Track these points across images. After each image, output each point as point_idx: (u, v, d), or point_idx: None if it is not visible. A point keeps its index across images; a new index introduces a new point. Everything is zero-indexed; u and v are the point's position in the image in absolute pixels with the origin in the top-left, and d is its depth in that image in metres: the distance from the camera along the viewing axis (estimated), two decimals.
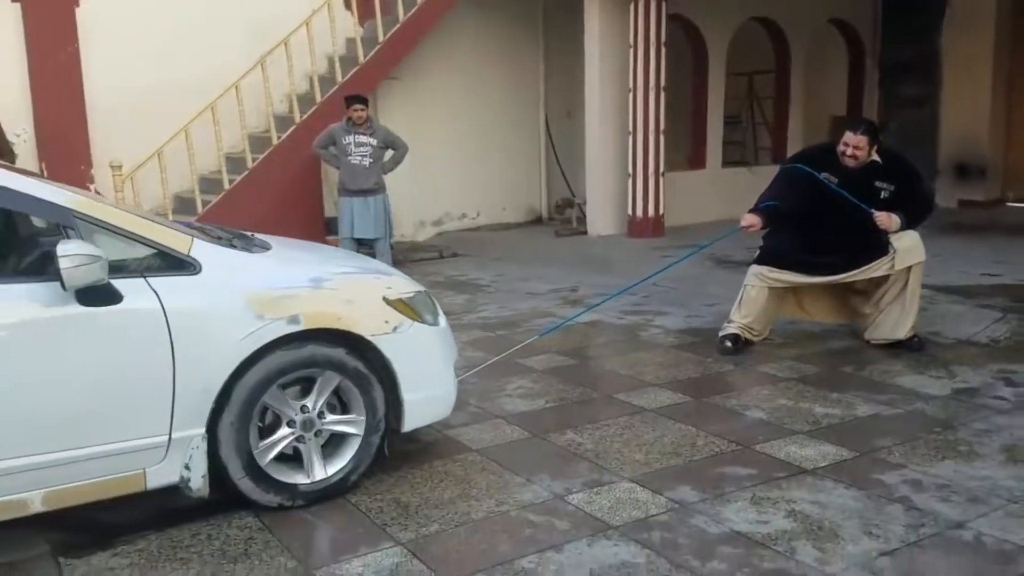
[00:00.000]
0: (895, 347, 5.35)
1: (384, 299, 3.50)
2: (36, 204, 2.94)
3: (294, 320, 3.20)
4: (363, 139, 7.78)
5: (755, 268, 5.53)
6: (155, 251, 3.05)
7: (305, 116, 8.85)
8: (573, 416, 4.38)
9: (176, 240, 3.13)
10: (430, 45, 10.19)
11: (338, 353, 3.31)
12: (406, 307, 3.55)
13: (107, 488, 2.99)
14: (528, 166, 12.33)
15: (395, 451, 3.85)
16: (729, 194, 11.74)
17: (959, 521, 3.13)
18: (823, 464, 3.66)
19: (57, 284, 2.75)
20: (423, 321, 3.59)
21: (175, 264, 3.07)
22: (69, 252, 2.71)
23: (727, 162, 12.34)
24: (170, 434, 3.02)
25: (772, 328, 5.67)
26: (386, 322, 3.44)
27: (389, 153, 8.01)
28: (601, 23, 10.23)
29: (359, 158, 7.80)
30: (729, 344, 5.43)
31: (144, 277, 2.99)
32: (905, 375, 4.89)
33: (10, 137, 7.47)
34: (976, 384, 4.71)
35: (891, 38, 12.98)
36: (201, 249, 3.17)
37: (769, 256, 5.51)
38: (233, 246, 3.43)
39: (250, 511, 3.25)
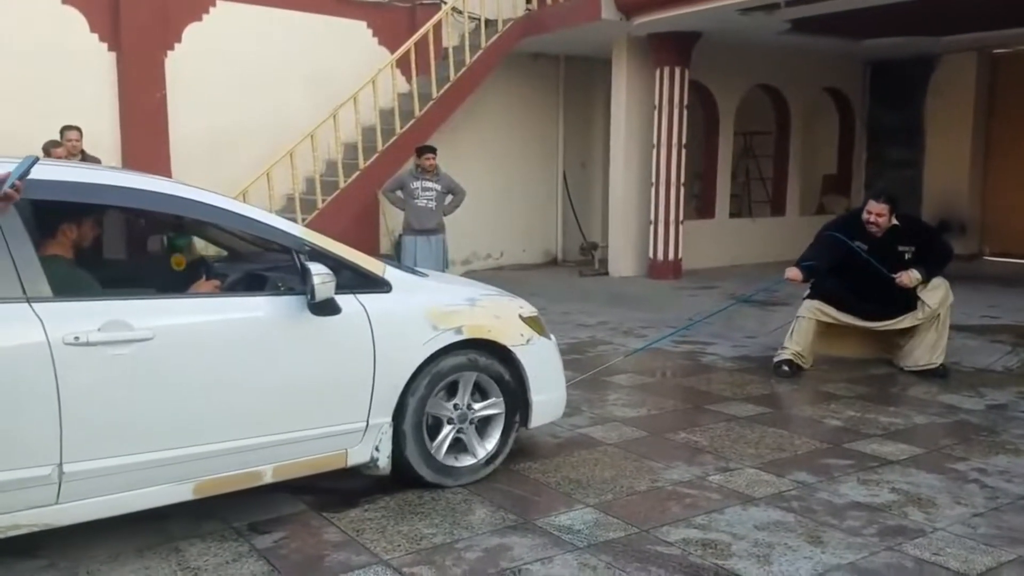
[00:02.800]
0: (925, 374, 6.21)
1: (520, 316, 4.25)
2: (275, 232, 3.57)
3: (459, 331, 3.91)
4: (429, 184, 8.56)
5: (808, 303, 6.37)
6: (359, 273, 3.71)
7: (369, 162, 9.66)
8: (677, 421, 5.16)
9: (373, 265, 3.83)
10: (465, 103, 11.10)
11: (487, 359, 3.98)
12: (535, 323, 4.30)
13: (319, 464, 3.61)
14: (546, 212, 13.25)
15: (546, 444, 4.62)
16: (736, 242, 12.80)
17: None
18: (903, 457, 4.48)
19: (295, 298, 3.41)
20: (545, 336, 4.34)
21: (374, 283, 3.73)
22: (319, 271, 3.37)
23: (731, 214, 13.35)
24: (367, 420, 3.67)
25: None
26: (521, 335, 4.16)
27: (450, 198, 8.80)
28: (628, 85, 11.24)
29: (425, 201, 8.57)
30: (787, 368, 6.25)
31: (354, 294, 3.63)
32: (943, 395, 5.76)
33: None
34: (1004, 401, 5.59)
35: (879, 105, 14.27)
36: (391, 272, 3.87)
37: (819, 293, 6.36)
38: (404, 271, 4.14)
39: (464, 487, 3.95)
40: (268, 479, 3.47)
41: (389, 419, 3.73)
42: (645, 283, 11.14)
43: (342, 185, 9.48)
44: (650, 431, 4.92)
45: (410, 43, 10.12)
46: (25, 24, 8.45)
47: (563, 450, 4.54)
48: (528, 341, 4.16)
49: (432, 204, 8.60)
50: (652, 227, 11.34)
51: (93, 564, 3.14)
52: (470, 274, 12.30)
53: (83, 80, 8.77)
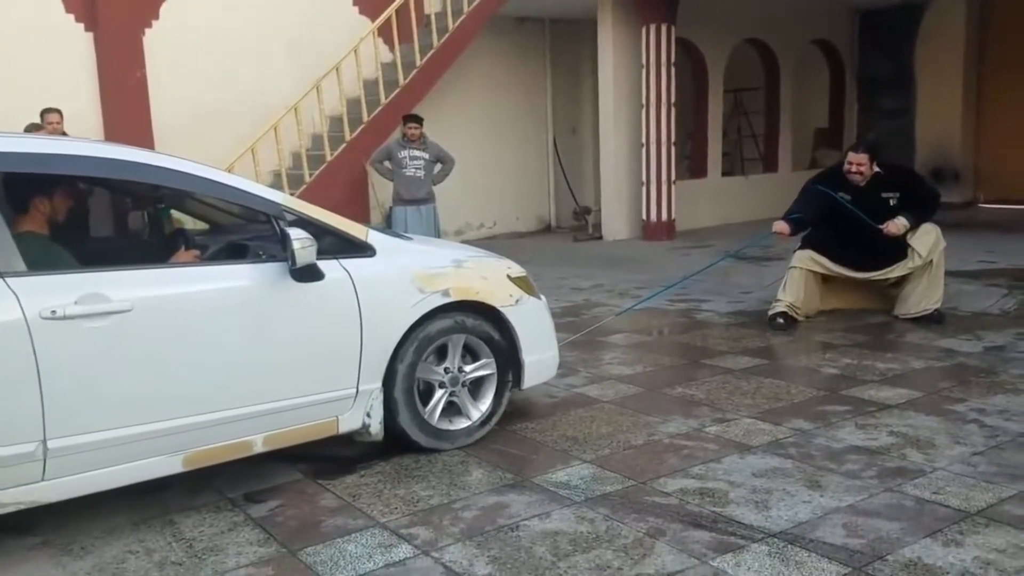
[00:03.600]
0: (921, 320, 6.17)
1: (508, 276, 4.18)
2: (253, 198, 3.49)
3: (446, 293, 3.83)
4: (417, 153, 8.45)
5: (800, 253, 6.33)
6: (342, 238, 3.63)
7: (355, 134, 9.56)
8: (674, 376, 5.13)
9: (356, 229, 3.74)
10: (450, 70, 10.95)
11: (474, 321, 3.93)
12: (524, 283, 4.23)
13: (310, 432, 3.56)
14: (538, 179, 13.16)
15: (542, 403, 4.59)
16: (729, 200, 12.73)
17: None
18: (901, 401, 4.45)
19: (275, 265, 3.35)
20: (535, 295, 4.28)
21: (357, 248, 3.64)
22: (299, 236, 3.29)
23: (723, 172, 13.27)
24: (357, 387, 3.60)
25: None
26: (510, 295, 4.09)
27: (439, 166, 8.70)
28: (615, 45, 11.11)
29: (413, 170, 8.46)
30: (781, 321, 6.21)
31: (337, 259, 3.55)
32: (941, 339, 5.73)
33: None
34: (1002, 343, 5.56)
35: (869, 55, 14.14)
36: (374, 236, 3.80)
37: (811, 244, 6.31)
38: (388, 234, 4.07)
39: (460, 448, 3.93)
40: (259, 448, 3.43)
41: (379, 385, 3.67)
42: (639, 245, 11.09)
43: (328, 158, 9.38)
44: (646, 387, 4.89)
45: (391, 10, 9.98)
46: (0, 8, 8.30)
47: (559, 409, 4.52)
48: (517, 301, 4.10)
49: (421, 173, 8.50)
50: (644, 188, 11.27)
51: (88, 539, 3.12)
52: (463, 244, 12.27)
53: (61, 61, 8.65)
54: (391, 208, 8.82)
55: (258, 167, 8.87)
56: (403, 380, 3.73)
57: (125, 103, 8.83)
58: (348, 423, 3.64)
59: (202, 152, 8.79)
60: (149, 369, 3.10)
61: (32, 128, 7.55)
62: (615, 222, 11.61)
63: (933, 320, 6.14)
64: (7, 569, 2.94)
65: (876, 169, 6.05)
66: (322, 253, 3.40)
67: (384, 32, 10.10)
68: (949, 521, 3.06)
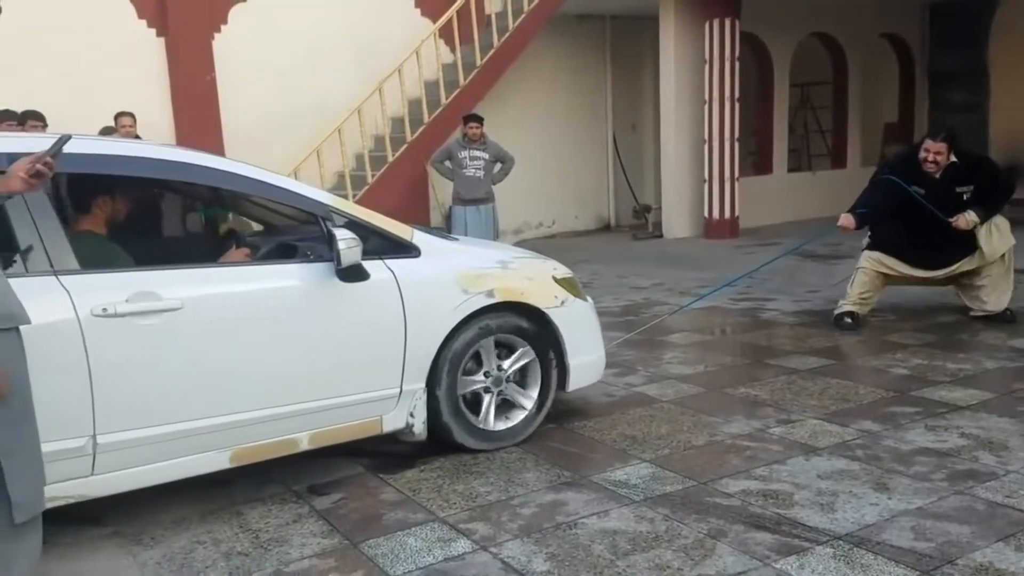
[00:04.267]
0: (993, 319, 5.96)
1: (553, 278, 4.14)
2: (302, 200, 3.49)
3: (490, 294, 3.80)
4: (477, 153, 8.44)
5: (867, 253, 6.15)
6: (388, 239, 3.62)
7: (416, 135, 9.64)
8: (736, 376, 5.05)
9: (402, 230, 3.73)
10: (510, 70, 10.98)
11: (522, 322, 3.90)
12: (569, 285, 4.18)
13: (354, 431, 3.57)
14: (597, 177, 13.08)
15: (601, 402, 4.57)
16: (795, 197, 12.48)
17: None
18: (973, 403, 4.32)
19: (322, 265, 3.37)
20: (581, 297, 4.22)
21: (403, 249, 3.65)
22: (345, 236, 3.29)
23: (790, 168, 13.02)
24: (401, 386, 3.61)
25: (879, 308, 6.27)
26: (555, 297, 4.04)
27: (499, 166, 8.67)
28: (676, 40, 11.00)
29: (473, 170, 8.45)
30: (849, 320, 6.06)
31: (382, 259, 3.54)
32: (1014, 339, 5.53)
33: None
34: None
35: (939, 49, 13.73)
36: (419, 237, 3.76)
37: (879, 244, 6.12)
38: (434, 235, 4.03)
39: (517, 446, 3.94)
40: (304, 446, 3.44)
41: (423, 385, 3.67)
42: (701, 243, 10.96)
43: (390, 159, 9.48)
44: (707, 387, 4.83)
45: (452, 11, 10.04)
46: (74, 14, 8.59)
47: (618, 408, 4.49)
48: (563, 303, 4.06)
49: (481, 173, 8.48)
50: (707, 185, 11.14)
51: (158, 530, 3.21)
52: (522, 243, 12.26)
53: (134, 66, 8.92)
54: (451, 208, 8.89)
55: (322, 169, 9.03)
56: (447, 380, 3.71)
57: (195, 107, 9.07)
58: (392, 422, 3.65)
59: (270, 155, 9.03)
60: (197, 366, 3.15)
61: (106, 131, 7.79)
62: (676, 220, 11.50)
63: (1005, 320, 5.93)
64: (80, 558, 3.05)
65: (952, 159, 5.83)
66: (368, 253, 3.42)
67: (445, 33, 10.18)
68: (1022, 525, 2.95)
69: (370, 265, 3.44)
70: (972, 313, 6.10)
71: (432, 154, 8.86)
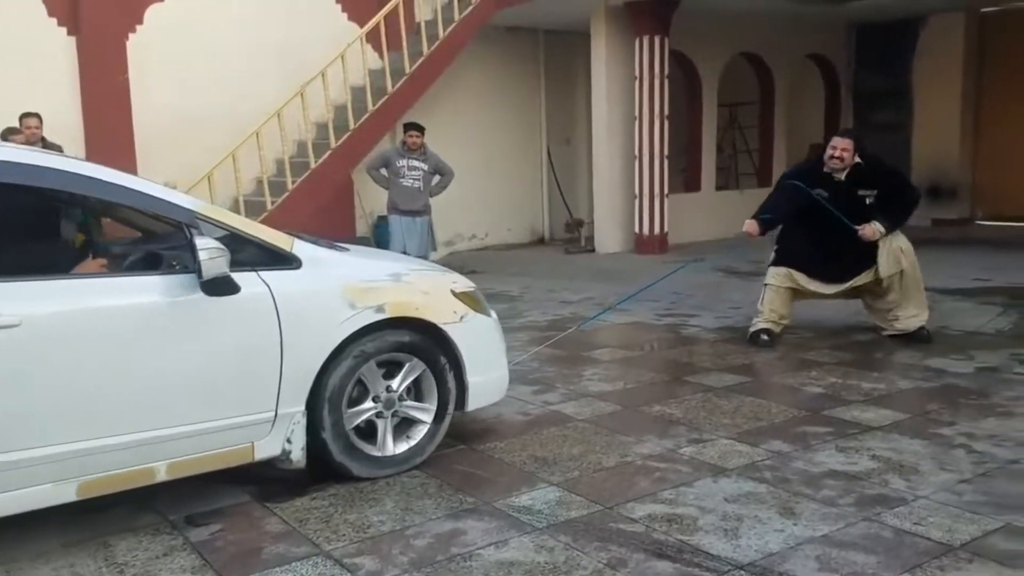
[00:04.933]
0: (909, 338, 5.93)
1: (452, 292, 3.91)
2: (164, 205, 3.22)
3: (380, 309, 3.55)
4: (416, 163, 8.11)
5: (773, 269, 6.11)
6: (264, 249, 3.35)
7: (340, 141, 9.39)
8: (654, 394, 4.94)
9: (280, 239, 3.44)
10: (442, 79, 10.81)
11: (416, 338, 3.66)
12: (469, 299, 3.95)
13: (222, 459, 3.27)
14: (531, 190, 13.00)
15: (515, 421, 4.41)
16: (723, 215, 12.49)
17: (1014, 459, 3.75)
18: (886, 423, 4.26)
19: (185, 276, 3.11)
20: (483, 312, 4.00)
21: (280, 260, 3.38)
22: (207, 246, 3.03)
23: (718, 187, 13.10)
24: (276, 410, 3.33)
25: (791, 324, 6.23)
26: (454, 312, 3.83)
27: (437, 178, 8.30)
28: (608, 56, 10.99)
29: (411, 181, 8.11)
30: (765, 337, 6.00)
31: (256, 271, 3.28)
32: (931, 359, 5.53)
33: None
34: (995, 364, 5.36)
35: (865, 69, 14.01)
36: (300, 247, 3.49)
37: (783, 259, 6.08)
38: (319, 245, 3.75)
39: (416, 467, 3.74)
40: (162, 477, 3.14)
41: (302, 408, 3.39)
42: (631, 258, 10.92)
43: (312, 166, 9.21)
44: (624, 405, 4.71)
45: (380, 16, 9.84)
46: None
47: (532, 428, 4.33)
48: (462, 318, 3.84)
49: (419, 184, 8.15)
50: (637, 201, 11.11)
51: (15, 564, 2.93)
52: (454, 255, 12.12)
53: (43, 65, 8.49)
54: (381, 217, 8.61)
55: (239, 173, 8.72)
56: (330, 402, 3.46)
57: (107, 108, 8.68)
58: (266, 449, 3.35)
59: (184, 157, 8.72)
60: (36, 389, 2.85)
61: (9, 132, 7.40)
62: (607, 235, 11.46)
63: (920, 339, 5.93)
64: None
65: (857, 160, 5.82)
66: (239, 264, 3.18)
67: (373, 39, 9.96)
68: (930, 555, 2.87)
69: (242, 277, 3.18)
70: (884, 332, 6.10)
71: (365, 159, 8.57)
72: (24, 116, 7.62)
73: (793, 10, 11.51)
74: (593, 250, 11.58)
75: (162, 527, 3.20)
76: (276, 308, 3.28)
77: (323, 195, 9.31)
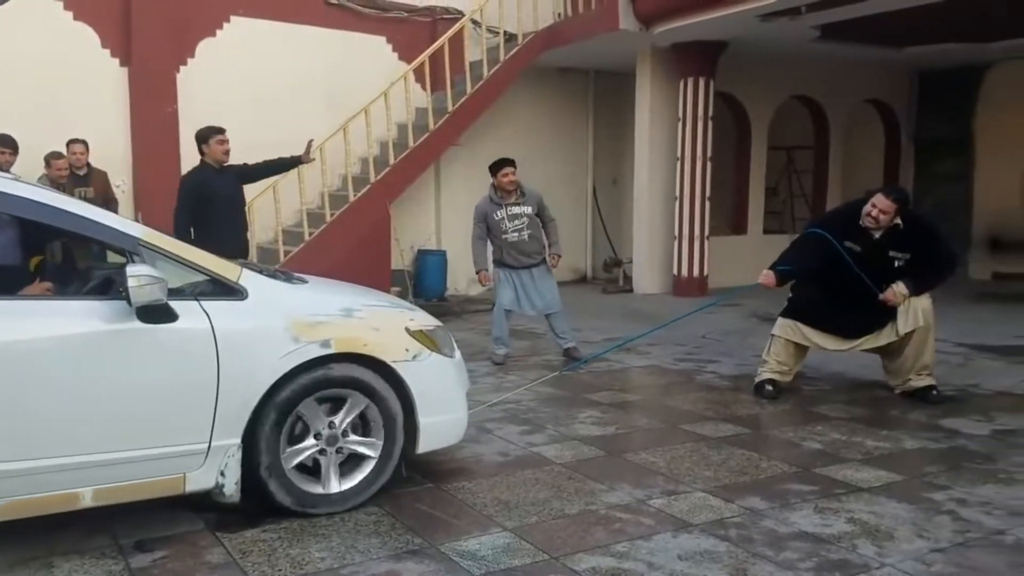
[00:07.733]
0: (917, 398, 5.63)
1: (406, 329, 3.84)
2: (107, 231, 3.28)
3: (326, 344, 3.52)
4: (516, 210, 6.85)
5: (782, 320, 5.90)
6: (208, 278, 3.39)
7: (379, 176, 9.54)
8: (642, 441, 4.84)
9: (227, 269, 3.49)
10: (490, 116, 10.91)
11: (364, 375, 3.63)
12: (425, 338, 3.89)
13: (150, 489, 3.28)
14: (575, 229, 12.93)
15: (492, 462, 4.36)
16: (768, 258, 12.16)
17: (1001, 529, 3.53)
18: (876, 484, 4.07)
19: (121, 303, 3.11)
20: (440, 352, 3.93)
21: (225, 290, 3.41)
22: (137, 273, 3.06)
23: (767, 230, 12.85)
24: (210, 442, 3.33)
25: (812, 375, 6.00)
26: (407, 350, 3.76)
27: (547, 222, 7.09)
28: (652, 97, 10.94)
29: (515, 234, 6.84)
30: (770, 388, 5.80)
31: (198, 300, 3.32)
32: (948, 418, 5.28)
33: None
34: (1014, 427, 5.09)
35: (926, 116, 13.61)
36: (248, 278, 3.52)
37: (794, 311, 5.86)
38: (275, 278, 3.81)
39: (374, 503, 3.72)
40: (88, 502, 3.16)
41: (238, 441, 3.38)
42: (668, 300, 10.75)
43: (351, 199, 9.37)
44: (608, 451, 4.61)
45: (425, 55, 10.01)
46: (37, 40, 8.58)
47: (505, 469, 4.28)
48: (415, 357, 3.78)
49: (526, 234, 6.83)
50: (676, 243, 10.97)
51: None
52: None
53: (95, 95, 8.87)
54: (419, 251, 8.33)
55: (278, 204, 8.90)
56: (268, 437, 3.44)
57: (155, 138, 9.00)
58: (198, 481, 3.34)
59: None
60: None
61: (52, 156, 7.73)
62: (646, 276, 11.32)
63: (931, 400, 5.59)
64: None
65: (897, 221, 5.53)
66: (180, 293, 3.23)
67: (422, 78, 10.14)
68: None
69: (182, 306, 3.23)
70: (896, 391, 5.82)
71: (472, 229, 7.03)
72: (71, 142, 7.96)
73: (847, 53, 11.29)
74: (631, 290, 11.45)
75: (109, 551, 3.25)
76: (215, 338, 3.30)
77: (362, 227, 9.43)
